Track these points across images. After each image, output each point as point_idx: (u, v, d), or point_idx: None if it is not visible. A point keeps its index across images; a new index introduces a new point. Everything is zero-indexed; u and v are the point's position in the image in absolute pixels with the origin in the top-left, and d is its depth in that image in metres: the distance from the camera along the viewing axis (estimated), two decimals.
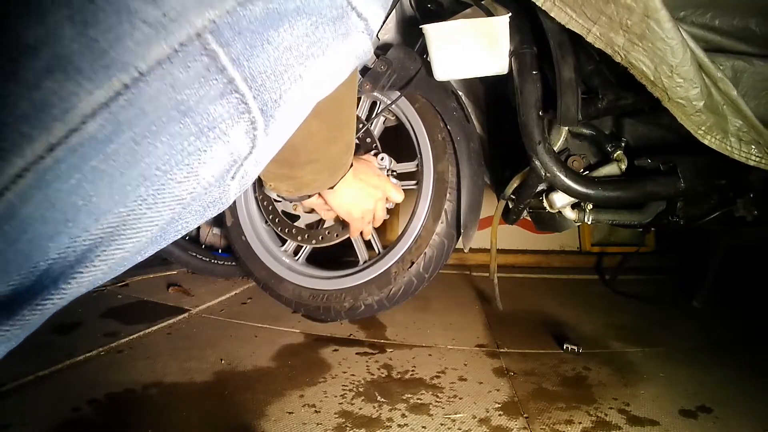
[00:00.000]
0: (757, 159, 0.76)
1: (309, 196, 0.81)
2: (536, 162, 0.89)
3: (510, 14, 0.83)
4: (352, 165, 0.76)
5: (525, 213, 1.18)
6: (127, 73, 0.21)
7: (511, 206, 1.15)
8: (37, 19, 0.19)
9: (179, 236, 0.28)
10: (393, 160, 1.08)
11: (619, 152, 0.96)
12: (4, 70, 0.19)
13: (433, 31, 0.90)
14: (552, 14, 0.76)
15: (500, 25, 0.85)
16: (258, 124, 0.26)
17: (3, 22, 0.19)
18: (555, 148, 0.94)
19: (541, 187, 1.03)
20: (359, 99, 1.13)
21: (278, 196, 0.98)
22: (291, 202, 1.10)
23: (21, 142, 0.20)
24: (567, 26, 0.75)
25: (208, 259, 1.47)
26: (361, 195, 0.83)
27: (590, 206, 1.01)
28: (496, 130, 1.29)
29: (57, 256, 0.23)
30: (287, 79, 0.26)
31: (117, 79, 0.21)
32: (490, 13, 0.92)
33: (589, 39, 0.74)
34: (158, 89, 0.22)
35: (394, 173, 1.12)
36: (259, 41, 0.24)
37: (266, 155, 0.29)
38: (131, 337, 1.01)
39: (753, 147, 0.76)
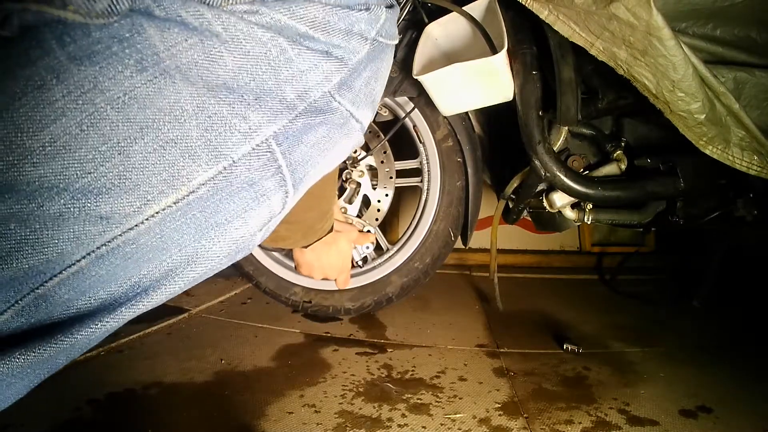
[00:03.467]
0: (759, 169, 0.77)
1: (283, 250, 0.92)
2: (536, 162, 0.89)
3: (506, 48, 0.82)
4: (331, 230, 0.82)
5: (525, 213, 1.18)
6: (226, 161, 0.33)
7: (511, 206, 1.15)
8: (176, 124, 0.30)
9: (214, 272, 0.38)
10: (372, 245, 1.13)
11: (618, 152, 0.96)
12: (155, 150, 0.30)
13: (428, 80, 0.89)
14: (555, 27, 0.76)
15: (497, 62, 0.83)
16: (289, 194, 0.38)
17: (153, 123, 0.29)
18: (555, 148, 0.94)
19: (541, 186, 1.03)
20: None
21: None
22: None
23: (160, 196, 0.30)
24: (570, 39, 0.76)
25: None
26: (332, 253, 0.88)
27: (590, 206, 1.01)
28: (496, 130, 1.29)
29: (148, 272, 0.32)
30: (310, 165, 0.38)
31: (221, 163, 0.32)
32: (472, 18, 0.92)
33: (593, 52, 0.75)
34: (241, 170, 0.33)
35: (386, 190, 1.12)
36: (297, 142, 0.36)
37: (284, 216, 0.40)
38: (131, 337, 1.01)
39: (755, 157, 0.76)
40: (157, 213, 0.31)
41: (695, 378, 0.91)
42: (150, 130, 0.29)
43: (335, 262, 0.89)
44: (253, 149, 0.33)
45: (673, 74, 0.68)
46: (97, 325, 0.31)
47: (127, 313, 0.32)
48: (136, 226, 0.30)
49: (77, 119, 0.28)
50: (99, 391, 0.78)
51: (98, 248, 0.29)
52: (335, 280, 0.93)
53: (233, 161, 0.33)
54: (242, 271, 1.20)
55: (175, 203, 0.31)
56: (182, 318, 1.16)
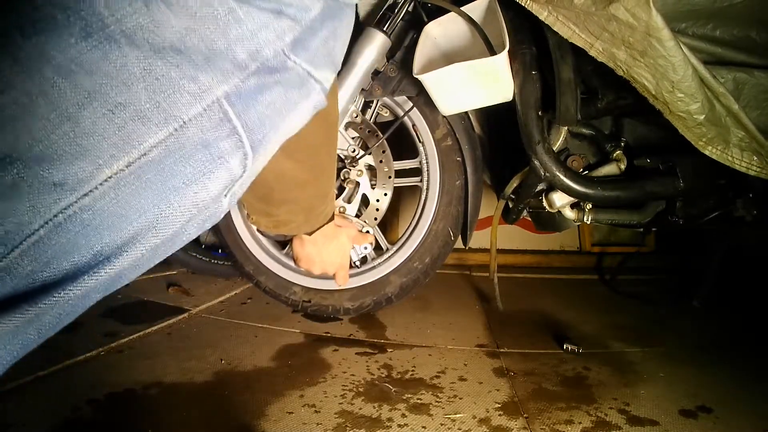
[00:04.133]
0: (758, 169, 0.77)
1: (286, 237, 0.92)
2: (536, 162, 0.89)
3: (507, 48, 0.82)
4: (332, 219, 0.82)
5: (525, 213, 1.18)
6: (176, 122, 0.33)
7: (510, 206, 1.15)
8: (123, 87, 0.30)
9: (182, 245, 0.38)
10: (371, 245, 1.12)
11: (618, 152, 0.96)
12: (103, 115, 0.30)
13: (428, 80, 0.89)
14: (555, 28, 0.76)
15: (498, 62, 0.83)
16: (248, 156, 0.37)
17: (100, 88, 0.30)
18: (554, 148, 0.94)
19: (540, 186, 1.03)
20: (373, 102, 1.14)
21: (259, 229, 1.05)
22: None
23: (111, 160, 0.31)
24: (570, 40, 0.76)
25: (208, 259, 1.47)
26: (332, 248, 0.89)
27: (590, 206, 1.01)
28: (496, 130, 1.29)
29: (109, 240, 0.32)
30: (268, 126, 0.38)
31: (171, 125, 0.32)
32: (470, 19, 0.92)
33: (592, 53, 0.75)
34: (193, 132, 0.33)
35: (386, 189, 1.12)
36: (251, 102, 0.36)
37: (249, 179, 0.40)
38: (131, 337, 1.01)
39: (754, 157, 0.76)
40: (110, 177, 0.31)
41: (695, 378, 0.91)
42: (98, 95, 0.30)
43: (335, 257, 0.89)
44: (204, 110, 0.33)
45: (673, 75, 0.68)
46: (60, 293, 0.32)
47: (89, 281, 0.33)
48: (90, 191, 0.30)
49: (25, 89, 0.28)
50: (99, 391, 0.78)
51: (55, 216, 0.30)
52: (334, 275, 0.93)
53: (183, 122, 0.33)
54: (242, 270, 1.20)
55: (127, 167, 0.31)
56: (182, 318, 1.16)
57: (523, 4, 0.79)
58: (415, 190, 1.17)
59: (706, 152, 0.77)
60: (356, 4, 0.43)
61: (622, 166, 0.96)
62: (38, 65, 0.28)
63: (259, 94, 0.36)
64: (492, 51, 0.89)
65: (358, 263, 1.12)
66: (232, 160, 0.36)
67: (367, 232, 1.10)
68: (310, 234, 0.83)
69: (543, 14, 0.77)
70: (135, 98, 0.31)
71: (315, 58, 0.40)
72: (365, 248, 1.12)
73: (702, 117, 0.72)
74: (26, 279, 0.30)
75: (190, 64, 0.32)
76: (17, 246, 0.29)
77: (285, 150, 0.60)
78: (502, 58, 0.83)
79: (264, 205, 0.74)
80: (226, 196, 0.38)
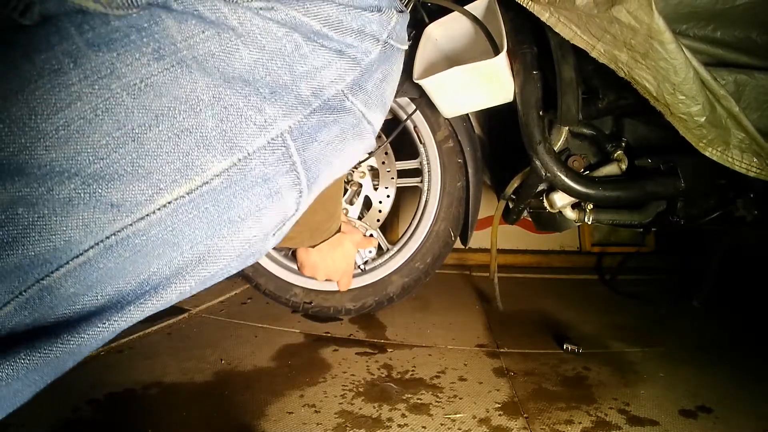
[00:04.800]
0: (758, 171, 0.77)
1: (290, 249, 0.91)
2: (536, 162, 0.89)
3: (506, 49, 0.82)
4: (339, 231, 0.83)
5: (525, 213, 1.18)
6: (241, 152, 0.32)
7: (511, 206, 1.15)
8: (191, 113, 0.30)
9: (223, 278, 0.37)
10: (375, 249, 1.12)
11: (619, 152, 0.96)
12: (169, 138, 0.29)
13: (428, 84, 0.89)
14: (556, 29, 0.76)
15: (498, 63, 0.83)
16: (303, 194, 0.37)
17: (168, 111, 0.29)
18: (555, 148, 0.94)
19: (541, 187, 1.03)
20: None
21: None
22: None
23: (173, 185, 0.30)
24: (571, 41, 0.76)
25: None
26: (336, 255, 0.89)
27: (590, 206, 1.01)
28: (497, 131, 1.29)
29: (157, 269, 0.31)
30: (324, 165, 0.38)
31: (235, 155, 0.32)
32: (474, 17, 0.92)
33: (594, 54, 0.75)
34: (255, 164, 0.33)
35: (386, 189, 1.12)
36: (311, 139, 0.36)
37: (297, 218, 0.40)
38: (131, 337, 1.01)
39: (754, 159, 0.77)
40: (169, 203, 0.30)
41: (695, 378, 0.91)
42: (165, 118, 0.29)
43: (339, 264, 0.89)
44: (269, 143, 0.33)
45: (674, 77, 0.68)
46: (104, 323, 0.30)
47: (135, 312, 0.31)
48: (147, 215, 0.29)
49: (92, 104, 0.27)
50: (99, 391, 0.78)
51: (107, 238, 0.29)
52: (337, 282, 0.93)
53: (248, 153, 0.32)
54: (242, 272, 1.20)
55: (188, 194, 0.31)
56: (182, 318, 1.16)
57: (524, 5, 0.79)
58: (414, 190, 1.17)
59: (707, 154, 0.77)
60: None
61: (623, 167, 0.96)
62: (107, 81, 0.28)
63: (319, 131, 0.37)
64: (496, 49, 0.89)
65: (363, 267, 1.12)
66: (288, 198, 0.36)
67: (371, 235, 1.10)
68: (314, 246, 0.83)
69: (545, 15, 0.77)
70: (202, 125, 0.30)
71: (369, 100, 0.40)
72: (369, 252, 1.12)
73: (703, 119, 0.72)
74: (67, 301, 0.29)
75: (257, 96, 0.32)
76: (63, 265, 0.28)
77: None
78: (501, 59, 0.83)
79: None
80: (274, 235, 0.38)
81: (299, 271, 0.94)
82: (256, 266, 1.18)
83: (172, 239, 0.31)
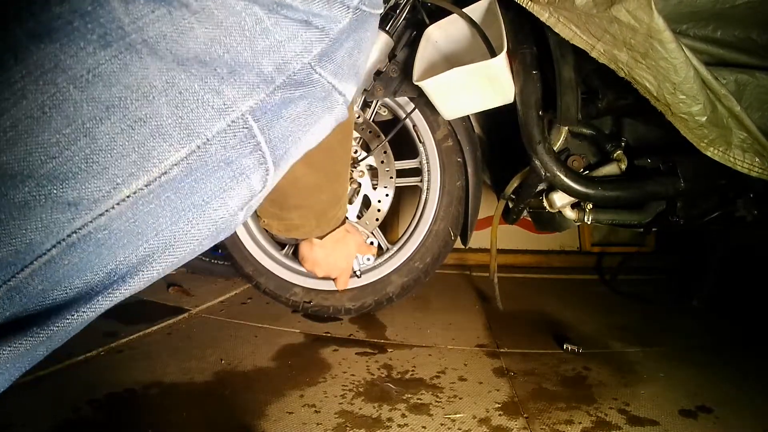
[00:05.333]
0: (760, 171, 0.77)
1: (297, 241, 0.90)
2: (536, 162, 0.89)
3: (506, 50, 0.82)
4: (344, 223, 0.82)
5: (525, 213, 1.18)
6: (199, 139, 0.31)
7: (511, 206, 1.15)
8: (144, 101, 0.28)
9: (196, 255, 0.37)
10: (373, 257, 1.12)
11: (619, 152, 0.96)
12: (122, 131, 0.28)
13: (428, 86, 0.89)
14: (556, 30, 0.76)
15: (497, 64, 0.83)
16: (270, 171, 0.36)
17: (120, 101, 0.28)
18: (555, 148, 0.94)
19: (541, 186, 1.03)
20: (372, 101, 1.13)
21: (270, 232, 1.05)
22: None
23: (130, 179, 0.29)
24: (571, 41, 0.76)
25: (208, 259, 1.47)
26: (339, 252, 0.89)
27: (590, 206, 1.01)
28: (496, 130, 1.29)
29: (123, 258, 0.31)
30: (291, 141, 0.37)
31: (194, 142, 0.31)
32: (471, 20, 0.92)
33: (593, 54, 0.75)
34: (216, 149, 0.32)
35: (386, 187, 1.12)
36: (276, 117, 0.34)
37: (266, 193, 0.38)
38: (131, 337, 1.01)
39: (756, 159, 0.77)
40: (128, 197, 0.29)
41: (695, 378, 0.91)
42: (117, 109, 0.28)
43: (341, 262, 0.89)
44: (229, 126, 0.32)
45: (675, 77, 0.68)
46: (73, 315, 0.30)
47: (104, 302, 0.31)
48: (106, 211, 0.29)
49: (38, 101, 0.26)
50: (99, 391, 0.78)
51: (68, 236, 0.28)
52: (335, 279, 0.93)
53: (207, 139, 0.31)
54: (242, 272, 1.19)
55: (146, 186, 0.30)
56: (182, 318, 1.16)
57: (523, 5, 0.79)
58: (414, 190, 1.17)
59: (708, 153, 0.77)
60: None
61: (623, 166, 0.96)
62: (52, 76, 0.26)
63: (284, 108, 0.35)
64: (492, 52, 0.89)
65: (359, 273, 1.11)
66: (254, 177, 0.35)
67: (371, 243, 1.09)
68: (321, 238, 0.82)
69: (544, 16, 0.77)
70: (156, 113, 0.29)
71: (340, 71, 0.38)
72: (368, 259, 1.12)
73: (704, 119, 0.72)
74: (37, 298, 0.29)
75: (215, 77, 0.30)
76: (27, 266, 0.28)
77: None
78: (501, 60, 0.83)
79: (277, 209, 0.73)
80: (242, 210, 0.37)
81: (300, 264, 0.94)
82: (257, 265, 1.18)
83: (136, 230, 0.30)
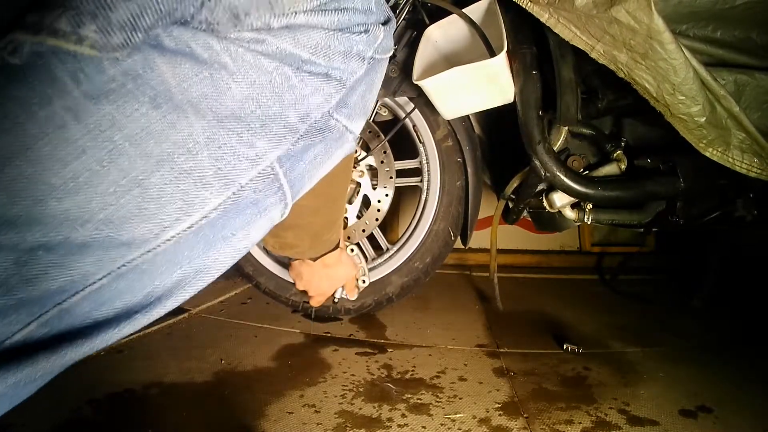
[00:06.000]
0: (759, 171, 0.77)
1: (290, 259, 0.94)
2: (536, 162, 0.89)
3: (506, 49, 0.82)
4: (337, 247, 0.84)
5: (525, 213, 1.18)
6: (235, 186, 0.35)
7: (511, 206, 1.15)
8: (189, 156, 0.32)
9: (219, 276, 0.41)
10: (366, 279, 1.08)
11: (618, 152, 0.96)
12: (170, 181, 0.32)
13: (428, 85, 0.89)
14: (556, 30, 0.76)
15: (497, 64, 0.83)
16: (288, 206, 0.41)
17: (168, 156, 0.31)
18: (555, 148, 0.94)
19: (540, 186, 1.03)
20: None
21: (264, 248, 1.05)
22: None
23: (176, 223, 0.33)
24: (571, 42, 0.76)
25: None
26: (321, 279, 0.90)
27: (590, 206, 1.01)
28: (496, 130, 1.29)
29: (161, 283, 0.35)
30: (307, 179, 0.41)
31: (230, 189, 0.35)
32: (470, 20, 0.92)
33: (593, 55, 0.75)
34: (247, 194, 0.36)
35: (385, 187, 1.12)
36: (297, 161, 0.39)
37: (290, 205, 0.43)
38: (131, 337, 1.01)
39: (755, 159, 0.77)
40: (173, 237, 0.33)
41: (695, 378, 0.91)
42: (165, 162, 0.31)
43: (323, 285, 0.92)
44: (259, 174, 0.36)
45: (674, 77, 0.68)
46: (114, 330, 0.34)
47: (142, 319, 0.35)
48: (153, 248, 0.33)
49: (97, 156, 0.29)
50: (99, 391, 0.78)
51: (118, 268, 0.32)
52: (310, 296, 0.94)
53: (241, 186, 0.35)
54: (242, 271, 1.20)
55: (189, 227, 0.34)
56: (182, 318, 1.16)
57: (523, 6, 0.79)
58: (415, 190, 1.17)
59: (707, 154, 0.77)
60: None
61: (623, 166, 0.96)
62: (110, 134, 0.29)
63: (305, 152, 0.39)
64: (492, 52, 0.89)
65: (335, 300, 1.05)
66: (274, 211, 0.39)
67: (363, 282, 1.07)
68: (313, 260, 0.85)
69: (544, 16, 0.77)
70: (199, 166, 0.32)
71: (353, 113, 0.42)
72: (345, 295, 1.04)
73: (703, 119, 0.72)
74: (81, 317, 0.32)
75: (249, 131, 0.34)
76: (79, 291, 0.31)
77: None
78: (500, 60, 0.83)
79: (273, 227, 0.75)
80: (261, 237, 0.41)
81: (294, 283, 0.94)
82: (257, 265, 1.18)
83: (174, 260, 0.35)
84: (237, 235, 0.37)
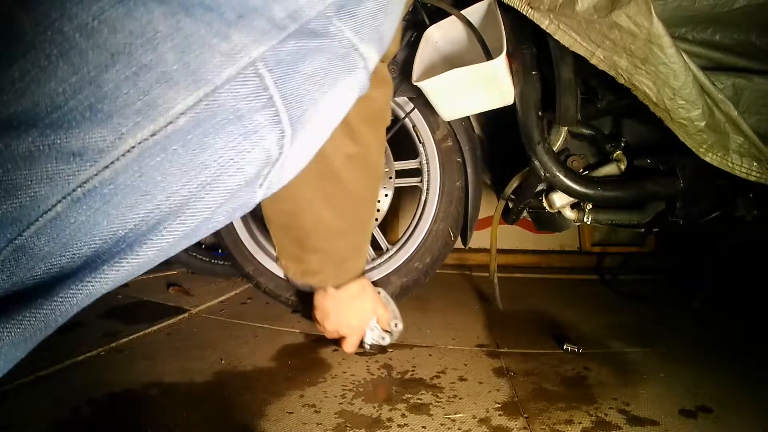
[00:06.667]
0: (758, 175, 0.77)
1: (311, 287, 0.87)
2: (536, 162, 0.90)
3: (506, 51, 0.82)
4: (362, 275, 0.78)
5: (525, 213, 1.18)
6: (208, 86, 0.29)
7: (510, 206, 1.15)
8: (149, 47, 0.28)
9: (208, 233, 0.35)
10: (399, 322, 0.98)
11: (618, 152, 0.96)
12: (127, 78, 0.27)
13: (427, 87, 0.90)
14: (556, 37, 0.76)
15: (497, 66, 0.83)
16: (286, 135, 0.33)
17: (124, 48, 0.27)
18: (554, 148, 0.94)
19: (540, 187, 1.04)
20: None
21: (285, 275, 0.94)
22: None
23: (135, 128, 0.28)
24: (571, 48, 0.76)
25: (208, 259, 1.47)
26: (350, 311, 0.84)
27: (590, 206, 1.01)
28: (496, 130, 1.29)
29: (133, 225, 0.30)
30: (308, 102, 0.34)
31: (202, 90, 0.29)
32: (469, 23, 0.92)
33: (593, 61, 0.75)
34: (226, 98, 0.30)
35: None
36: (291, 71, 0.32)
37: (288, 170, 0.36)
38: (131, 337, 1.01)
39: (754, 163, 0.77)
40: (133, 147, 0.28)
41: (695, 378, 0.91)
42: (121, 56, 0.27)
43: (353, 319, 0.84)
44: (239, 73, 0.30)
45: (674, 82, 0.68)
46: (78, 286, 0.29)
47: (110, 272, 0.30)
48: (111, 163, 0.28)
49: (46, 51, 0.26)
50: (99, 391, 0.78)
51: (74, 190, 0.28)
52: (342, 339, 0.89)
53: (216, 86, 0.30)
54: (242, 271, 1.20)
55: (152, 135, 0.29)
56: (182, 318, 1.16)
57: (524, 14, 0.80)
58: (414, 190, 1.17)
59: (707, 159, 0.78)
60: None
61: (622, 167, 0.96)
62: (60, 24, 0.26)
63: (300, 62, 0.33)
64: (489, 55, 0.89)
65: (368, 347, 0.96)
66: (269, 137, 0.33)
67: (396, 325, 0.97)
68: (336, 288, 0.80)
69: (545, 23, 0.77)
70: (161, 59, 0.28)
71: (361, 29, 0.36)
72: (382, 338, 0.96)
73: (702, 124, 0.72)
74: (43, 262, 0.28)
75: (222, 22, 0.29)
76: (33, 222, 0.27)
77: (326, 196, 0.59)
78: (500, 62, 0.83)
79: (297, 250, 0.72)
80: (261, 186, 0.35)
81: (313, 315, 0.91)
82: (257, 265, 1.18)
83: (144, 187, 0.29)
84: (225, 166, 0.31)
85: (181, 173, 0.30)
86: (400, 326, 0.96)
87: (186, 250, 1.44)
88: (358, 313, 0.86)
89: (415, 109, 1.10)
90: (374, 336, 0.94)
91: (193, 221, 0.32)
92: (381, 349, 0.97)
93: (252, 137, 0.32)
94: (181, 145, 0.30)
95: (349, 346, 0.90)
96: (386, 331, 0.95)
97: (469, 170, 1.09)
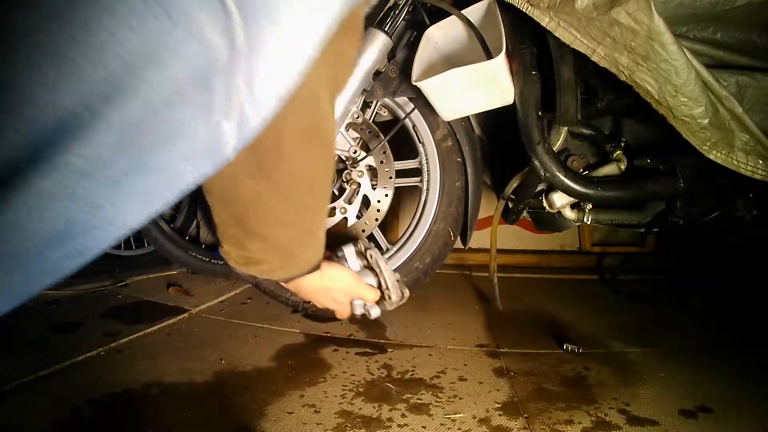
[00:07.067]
0: (763, 173, 0.77)
1: (255, 279, 0.76)
2: (536, 162, 0.90)
3: (505, 50, 0.82)
4: (318, 268, 0.70)
5: (525, 213, 1.18)
6: None
7: (510, 206, 1.15)
8: None
9: (178, 194, 0.28)
10: (393, 294, 0.85)
11: (618, 152, 0.96)
12: None
13: (427, 86, 0.89)
14: (557, 34, 0.76)
15: (496, 65, 0.83)
16: (232, 17, 0.25)
17: None
18: (554, 148, 0.94)
19: (540, 187, 1.04)
20: (373, 101, 1.13)
21: (229, 263, 0.74)
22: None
23: None
24: (572, 46, 0.76)
25: (208, 259, 1.47)
26: (325, 295, 0.78)
27: (590, 206, 1.01)
28: (496, 130, 1.29)
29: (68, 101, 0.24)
30: None
31: None
32: (469, 23, 0.92)
33: (594, 58, 0.75)
34: None
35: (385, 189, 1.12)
36: None
37: (262, 94, 0.28)
38: (131, 337, 1.01)
39: (759, 161, 0.76)
40: None
41: (695, 378, 0.91)
42: None
43: (330, 304, 0.81)
44: None
45: (676, 79, 0.68)
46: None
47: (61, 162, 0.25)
48: None
49: None
50: (99, 391, 0.78)
51: None
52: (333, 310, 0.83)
53: None
54: None
55: None
56: (182, 318, 1.16)
57: (525, 11, 0.79)
58: (414, 190, 1.17)
59: (711, 157, 0.77)
60: None
61: (623, 167, 0.96)
62: None
63: None
64: (489, 55, 0.89)
65: (358, 316, 0.89)
66: (207, 28, 0.25)
67: (389, 298, 0.86)
68: (285, 282, 0.71)
69: (545, 20, 0.77)
70: None
71: None
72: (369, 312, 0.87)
73: (706, 121, 0.72)
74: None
75: None
76: None
77: (264, 167, 0.47)
78: (500, 61, 0.83)
79: (238, 231, 0.62)
80: (228, 116, 0.27)
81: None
82: None
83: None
84: (155, 50, 0.24)
85: (92, 63, 0.24)
86: (395, 297, 0.84)
87: (186, 250, 1.44)
88: (336, 298, 0.79)
89: (415, 109, 1.10)
90: (361, 310, 0.86)
91: (138, 111, 0.26)
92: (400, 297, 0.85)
93: (180, 23, 0.24)
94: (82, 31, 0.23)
95: (341, 314, 0.84)
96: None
97: (469, 170, 1.09)
